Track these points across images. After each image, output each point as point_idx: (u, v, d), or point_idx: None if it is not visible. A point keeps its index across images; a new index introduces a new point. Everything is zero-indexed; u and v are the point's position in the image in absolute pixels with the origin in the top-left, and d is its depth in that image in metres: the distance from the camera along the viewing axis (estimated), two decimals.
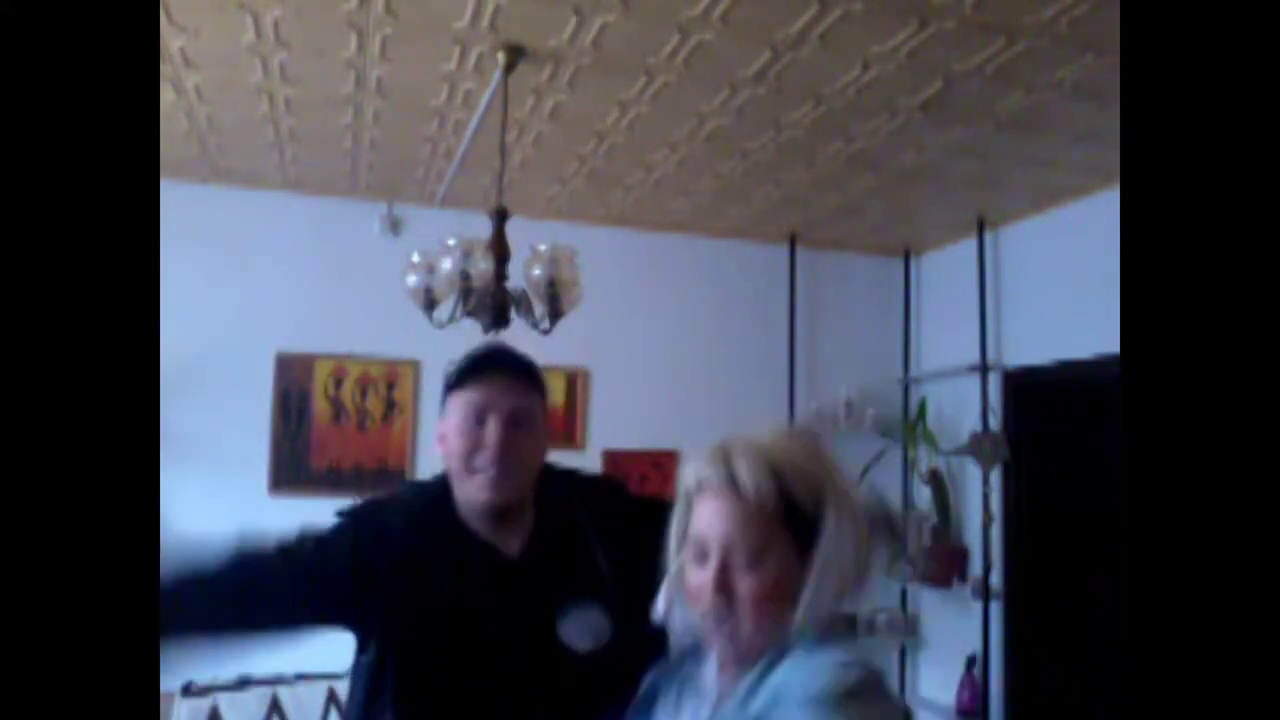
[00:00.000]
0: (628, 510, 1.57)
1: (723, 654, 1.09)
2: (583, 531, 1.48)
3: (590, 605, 1.41)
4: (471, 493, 1.41)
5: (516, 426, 1.40)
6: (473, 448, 1.39)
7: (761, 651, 1.05)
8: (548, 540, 1.46)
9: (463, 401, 1.41)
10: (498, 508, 1.42)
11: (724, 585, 1.05)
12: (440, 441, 1.46)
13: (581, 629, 1.40)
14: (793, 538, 1.06)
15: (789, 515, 1.06)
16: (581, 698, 1.36)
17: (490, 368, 1.43)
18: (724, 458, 1.08)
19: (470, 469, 1.39)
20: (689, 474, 1.11)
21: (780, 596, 1.05)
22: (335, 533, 1.50)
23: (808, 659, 1.02)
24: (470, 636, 1.38)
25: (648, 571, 1.36)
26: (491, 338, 2.62)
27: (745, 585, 1.05)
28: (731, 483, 1.06)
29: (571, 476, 1.60)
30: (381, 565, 1.41)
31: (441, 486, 1.48)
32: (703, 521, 1.08)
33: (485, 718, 1.38)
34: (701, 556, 1.08)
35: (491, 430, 1.38)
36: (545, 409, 1.49)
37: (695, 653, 1.14)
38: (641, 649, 1.30)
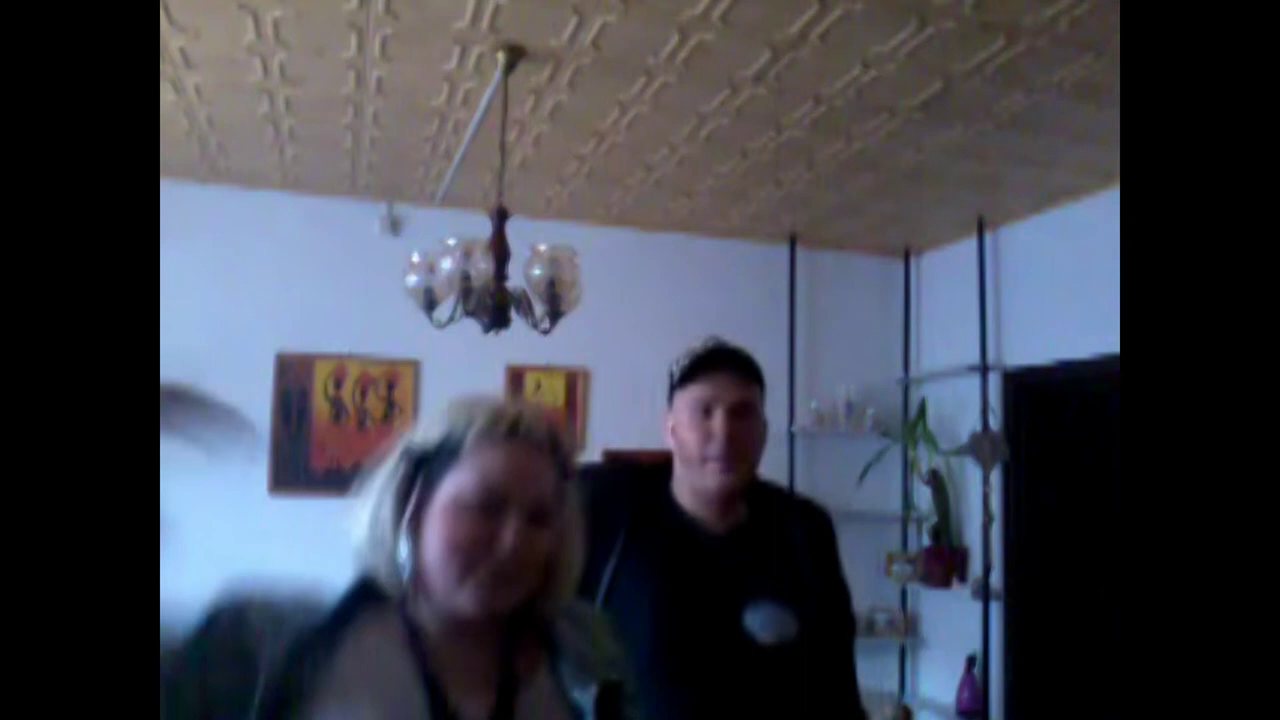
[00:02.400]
0: (832, 540, 1.66)
1: (481, 613, 1.00)
2: (791, 537, 1.57)
3: (782, 602, 1.49)
4: (704, 478, 1.52)
5: (740, 417, 1.52)
6: (704, 439, 1.50)
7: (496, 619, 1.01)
8: (755, 532, 1.56)
9: (690, 397, 1.54)
10: (727, 491, 1.53)
11: (525, 545, 1.00)
12: (670, 434, 1.58)
13: (768, 621, 1.48)
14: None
15: (560, 484, 1.03)
16: (750, 684, 1.44)
17: (714, 364, 1.55)
18: (536, 411, 1.05)
19: (702, 458, 1.51)
20: (489, 419, 1.04)
21: (543, 560, 1.02)
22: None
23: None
24: (669, 594, 1.48)
25: (841, 600, 1.58)
26: (492, 335, 2.63)
27: (535, 545, 1.00)
28: (551, 439, 1.03)
29: (786, 495, 1.72)
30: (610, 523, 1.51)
31: (657, 470, 1.62)
32: (511, 472, 1.01)
33: (658, 670, 1.43)
34: (489, 509, 1.00)
35: (718, 421, 1.50)
36: (764, 399, 1.60)
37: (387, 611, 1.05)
38: (817, 662, 1.47)
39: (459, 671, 1.00)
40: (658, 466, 1.64)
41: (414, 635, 1.02)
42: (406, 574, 1.03)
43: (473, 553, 0.98)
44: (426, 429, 1.06)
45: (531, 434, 1.02)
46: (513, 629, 1.05)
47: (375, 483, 1.09)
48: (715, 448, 1.50)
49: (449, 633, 1.02)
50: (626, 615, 1.46)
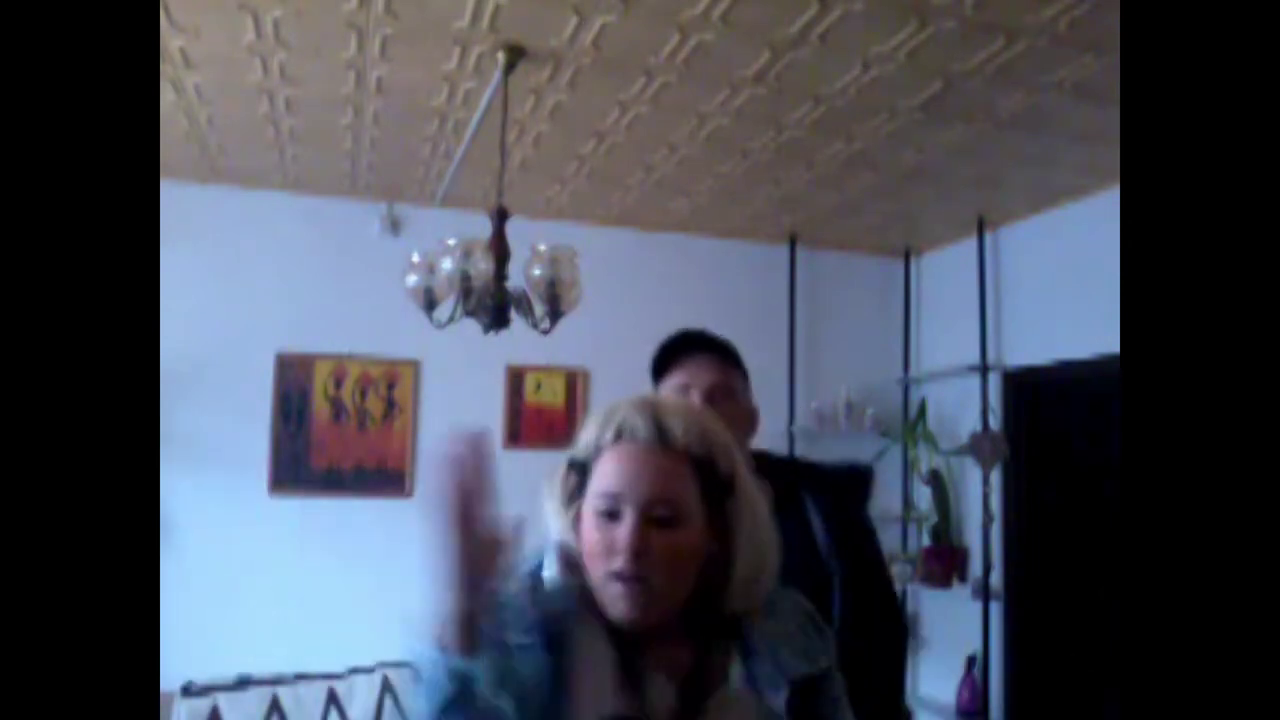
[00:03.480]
0: (859, 502, 1.63)
1: (626, 620, 0.98)
2: (808, 524, 1.53)
3: (789, 586, 1.46)
4: None
5: (717, 401, 1.49)
6: None
7: (668, 620, 0.99)
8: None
9: (667, 385, 1.53)
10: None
11: (643, 544, 0.97)
12: None
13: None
14: (707, 504, 1.01)
15: (708, 480, 1.01)
16: None
17: (687, 349, 1.54)
18: (651, 410, 1.02)
19: None
20: (603, 426, 1.02)
21: (692, 561, 0.99)
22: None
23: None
24: None
25: (874, 568, 1.52)
26: (492, 335, 2.63)
27: (662, 545, 0.97)
28: (660, 436, 1.00)
29: (812, 468, 1.68)
30: None
31: None
32: (621, 474, 0.99)
33: None
34: (613, 513, 0.99)
35: (694, 401, 1.48)
36: (747, 385, 1.58)
37: (559, 621, 1.00)
38: (850, 636, 1.41)
39: (654, 670, 0.99)
40: None
41: (612, 632, 1.00)
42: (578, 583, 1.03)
43: (597, 558, 0.99)
44: (584, 436, 1.06)
45: (636, 434, 1.01)
46: (703, 628, 1.03)
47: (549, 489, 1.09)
48: None
49: (639, 633, 1.00)
50: None
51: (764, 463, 1.59)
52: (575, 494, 1.03)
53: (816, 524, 1.55)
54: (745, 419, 1.56)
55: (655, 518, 0.98)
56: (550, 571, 1.02)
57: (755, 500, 1.05)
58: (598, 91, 2.78)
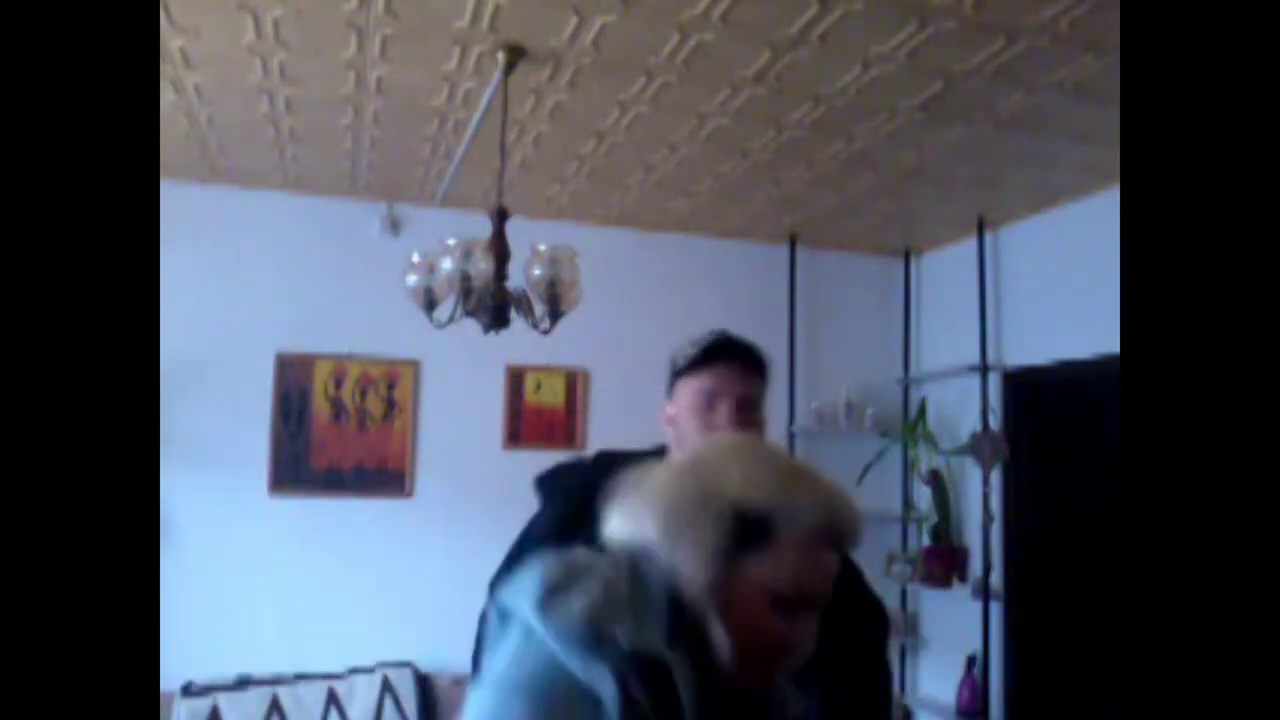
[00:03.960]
0: (859, 594, 1.54)
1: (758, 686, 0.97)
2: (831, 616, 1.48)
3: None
4: None
5: (745, 411, 1.46)
6: (705, 431, 1.44)
7: None
8: None
9: (694, 387, 1.48)
10: None
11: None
12: (669, 423, 1.52)
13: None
14: None
15: None
16: None
17: (722, 354, 1.49)
18: (839, 504, 0.95)
19: None
20: (826, 508, 0.94)
21: None
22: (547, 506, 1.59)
23: None
24: None
25: (863, 669, 1.44)
26: (492, 335, 2.63)
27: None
28: (837, 534, 0.95)
29: (851, 568, 1.59)
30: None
31: (650, 458, 1.55)
32: (814, 573, 0.94)
33: None
34: (794, 608, 0.94)
35: (722, 414, 1.44)
36: (767, 394, 1.54)
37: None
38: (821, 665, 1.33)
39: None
40: (649, 454, 1.55)
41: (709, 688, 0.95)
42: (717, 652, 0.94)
43: (777, 651, 0.95)
44: (746, 486, 0.94)
45: (846, 541, 0.96)
46: None
47: (670, 524, 0.95)
48: None
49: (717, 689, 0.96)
50: None
51: None
52: (732, 554, 0.93)
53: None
54: (763, 433, 1.53)
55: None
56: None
57: None
58: (598, 91, 2.78)
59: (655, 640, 0.89)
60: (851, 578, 1.49)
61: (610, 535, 0.99)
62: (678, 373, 1.53)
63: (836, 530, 0.94)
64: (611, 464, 1.66)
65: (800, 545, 0.93)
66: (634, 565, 0.95)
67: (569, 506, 1.53)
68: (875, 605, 1.59)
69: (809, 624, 0.94)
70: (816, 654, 1.01)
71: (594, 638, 0.87)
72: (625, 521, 0.98)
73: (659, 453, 1.57)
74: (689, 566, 0.92)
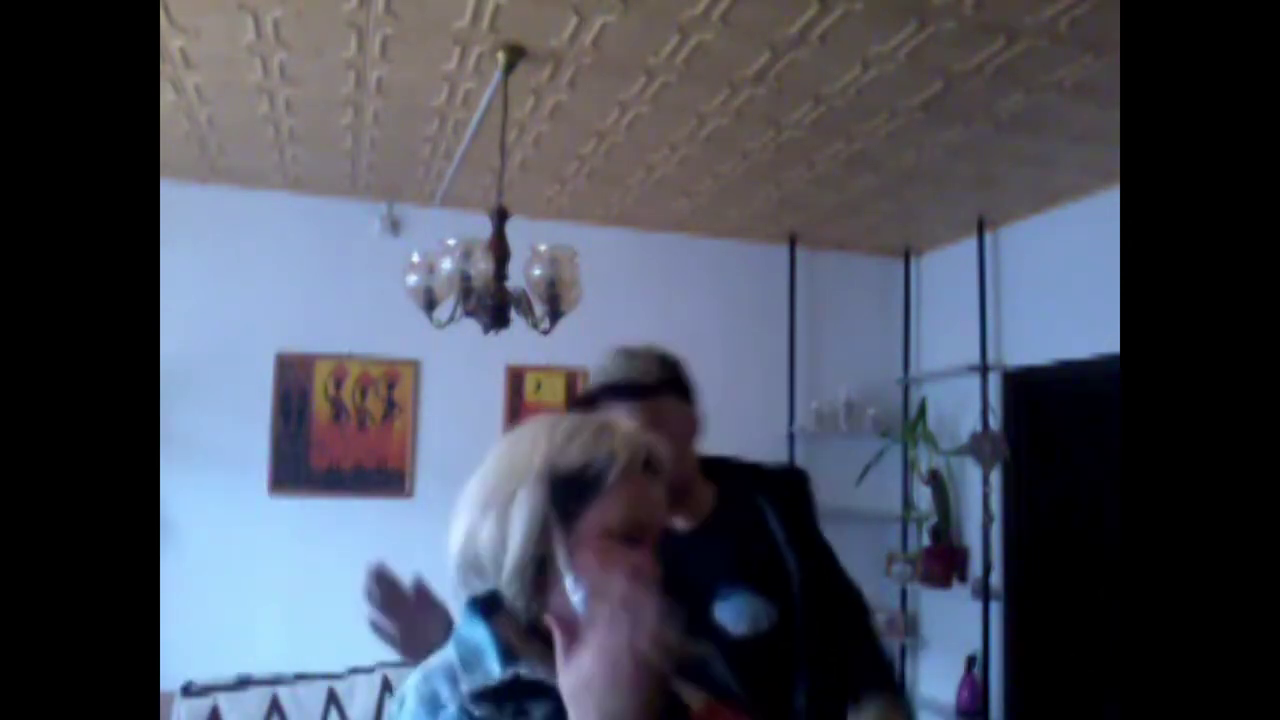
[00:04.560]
0: (806, 502, 1.64)
1: None
2: (762, 516, 1.53)
3: (754, 590, 1.46)
4: None
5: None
6: None
7: None
8: (723, 520, 1.53)
9: None
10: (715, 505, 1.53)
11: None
12: None
13: (740, 612, 1.44)
14: None
15: None
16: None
17: (609, 396, 1.51)
18: (638, 440, 1.03)
19: None
20: (634, 446, 1.02)
21: None
22: None
23: None
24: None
25: (824, 569, 1.52)
26: (492, 335, 2.63)
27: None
28: (651, 465, 1.03)
29: (757, 469, 1.66)
30: None
31: None
32: (641, 503, 1.01)
33: None
34: (632, 538, 1.00)
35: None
36: (683, 403, 1.56)
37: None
38: (808, 640, 1.43)
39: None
40: None
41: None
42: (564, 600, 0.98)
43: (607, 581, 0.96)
44: (559, 453, 1.01)
45: (662, 469, 1.03)
46: None
47: (494, 503, 1.01)
48: None
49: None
50: None
51: (710, 466, 1.61)
52: (571, 506, 1.00)
53: (773, 522, 1.56)
54: (682, 434, 1.54)
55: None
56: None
57: None
58: (598, 91, 2.78)
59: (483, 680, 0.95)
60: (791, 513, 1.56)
61: (451, 550, 1.04)
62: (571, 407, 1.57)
63: (653, 460, 1.03)
64: None
65: (622, 483, 0.99)
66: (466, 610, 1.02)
67: None
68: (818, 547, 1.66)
69: (648, 550, 1.01)
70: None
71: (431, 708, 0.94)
72: (455, 526, 1.04)
73: None
74: (520, 538, 0.99)
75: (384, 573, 1.39)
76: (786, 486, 1.62)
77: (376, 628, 1.40)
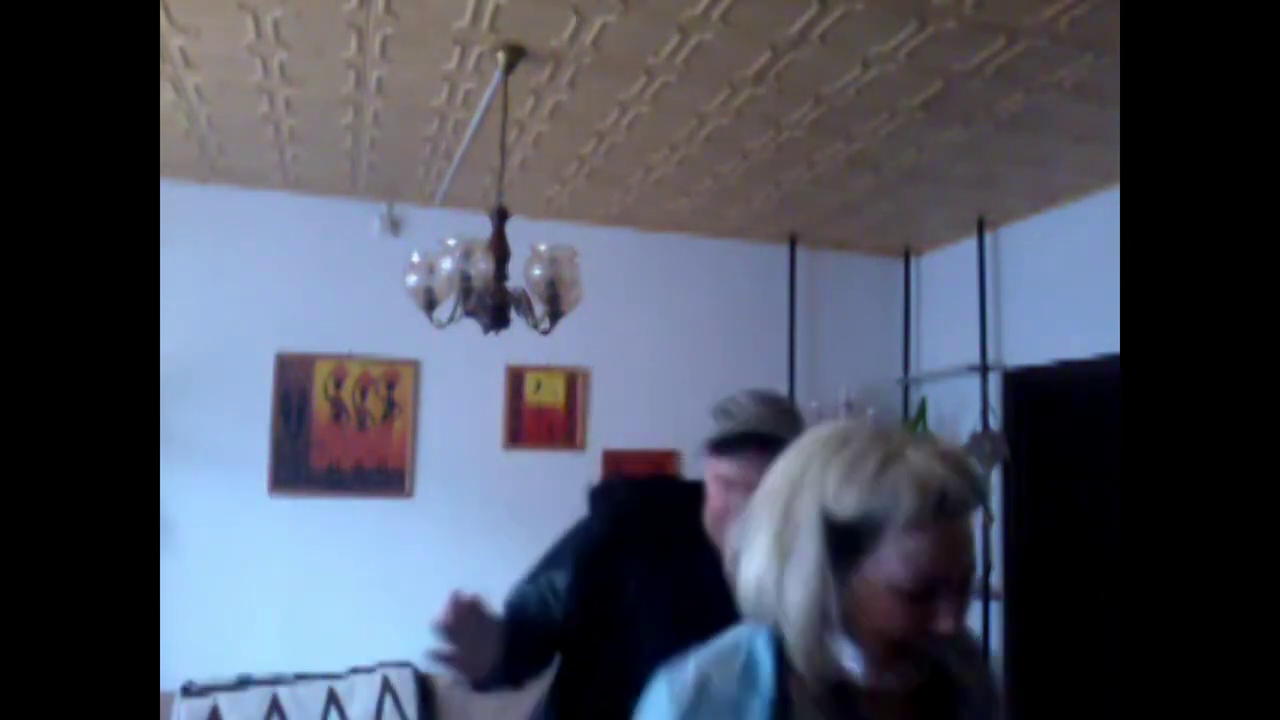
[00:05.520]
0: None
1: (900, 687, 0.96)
2: None
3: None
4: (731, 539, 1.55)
5: (748, 492, 1.52)
6: (719, 514, 1.55)
7: None
8: None
9: (715, 471, 1.57)
10: None
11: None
12: (710, 481, 1.61)
13: None
14: None
15: None
16: None
17: (742, 444, 1.54)
18: (967, 474, 0.92)
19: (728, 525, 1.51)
20: (913, 491, 0.90)
21: None
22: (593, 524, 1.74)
23: None
24: (687, 619, 1.45)
25: None
26: (492, 335, 2.63)
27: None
28: (951, 507, 0.90)
29: None
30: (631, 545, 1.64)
31: (686, 491, 1.68)
32: (932, 556, 0.90)
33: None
34: (923, 596, 0.91)
35: (735, 500, 1.49)
36: None
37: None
38: None
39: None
40: (687, 487, 1.68)
41: (839, 695, 0.95)
42: (841, 656, 0.94)
43: (890, 634, 0.92)
44: (836, 496, 0.93)
45: (962, 510, 0.92)
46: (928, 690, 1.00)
47: (785, 545, 0.95)
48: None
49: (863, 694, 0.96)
50: (643, 632, 1.53)
51: None
52: (848, 557, 0.92)
53: None
54: None
55: (960, 589, 0.94)
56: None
57: None
58: (598, 91, 2.78)
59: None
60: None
61: (740, 587, 1.01)
62: (708, 445, 1.59)
63: (947, 503, 0.90)
64: (664, 491, 1.75)
65: (907, 535, 0.89)
66: (745, 660, 0.96)
67: (615, 526, 1.68)
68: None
69: (944, 605, 0.91)
70: None
71: None
72: (744, 567, 1.00)
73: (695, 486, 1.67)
74: (797, 593, 0.92)
75: (463, 601, 1.38)
76: None
77: (441, 656, 1.39)
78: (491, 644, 1.45)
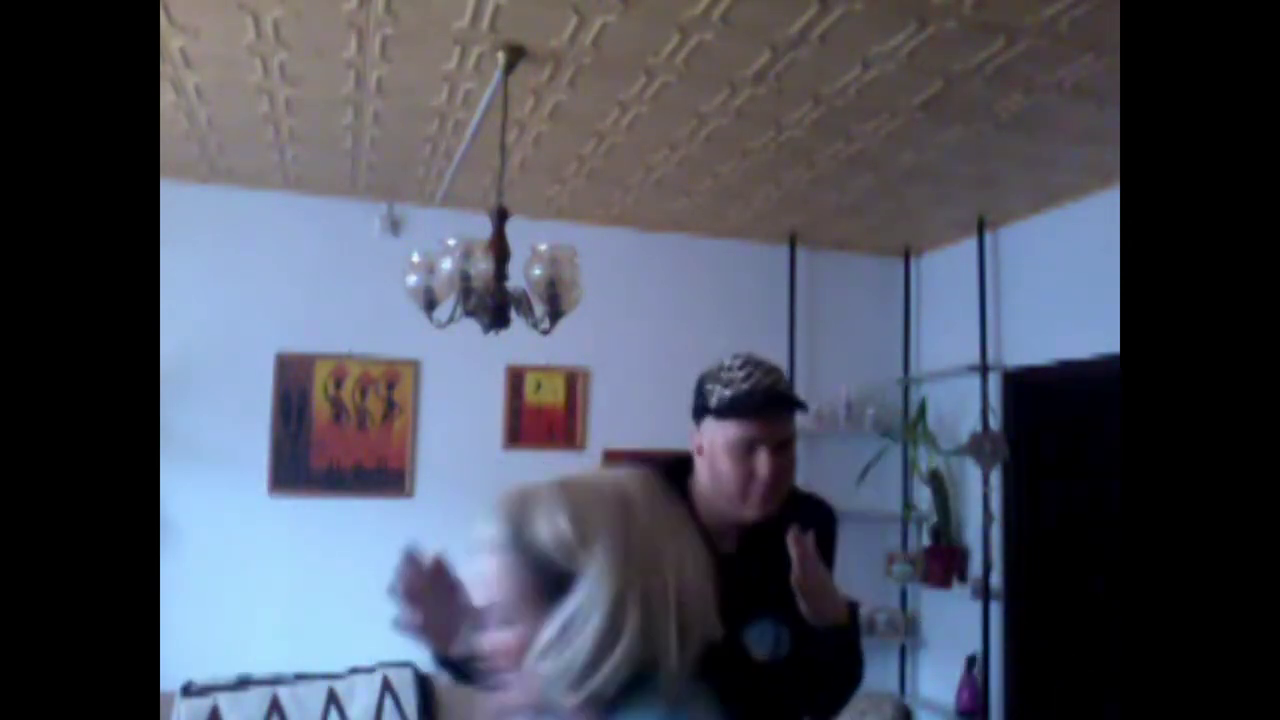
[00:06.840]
0: (831, 538, 1.67)
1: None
2: (784, 546, 1.54)
3: (780, 618, 1.50)
4: (742, 511, 1.52)
5: (780, 454, 1.51)
6: (745, 477, 1.49)
7: None
8: (761, 542, 1.55)
9: (730, 434, 1.50)
10: (761, 521, 1.53)
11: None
12: (698, 450, 1.56)
13: (765, 638, 1.50)
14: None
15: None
16: (742, 696, 1.38)
17: (764, 405, 1.50)
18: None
19: (743, 494, 1.50)
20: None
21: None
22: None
23: None
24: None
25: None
26: (492, 335, 2.63)
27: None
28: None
29: (792, 494, 1.66)
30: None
31: (679, 469, 1.59)
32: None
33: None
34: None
35: (762, 462, 1.48)
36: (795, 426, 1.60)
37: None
38: (816, 672, 1.48)
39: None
40: (670, 465, 1.60)
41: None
42: None
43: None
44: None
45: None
46: None
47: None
48: (759, 487, 1.49)
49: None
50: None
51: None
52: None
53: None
54: (793, 466, 1.59)
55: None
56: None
57: None
58: (598, 91, 2.78)
59: None
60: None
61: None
62: (710, 410, 1.52)
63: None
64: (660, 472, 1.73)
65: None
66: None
67: None
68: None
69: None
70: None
71: None
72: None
73: (686, 461, 1.61)
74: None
75: (415, 557, 1.36)
76: (817, 521, 1.62)
77: (401, 623, 1.38)
78: (458, 609, 1.38)
